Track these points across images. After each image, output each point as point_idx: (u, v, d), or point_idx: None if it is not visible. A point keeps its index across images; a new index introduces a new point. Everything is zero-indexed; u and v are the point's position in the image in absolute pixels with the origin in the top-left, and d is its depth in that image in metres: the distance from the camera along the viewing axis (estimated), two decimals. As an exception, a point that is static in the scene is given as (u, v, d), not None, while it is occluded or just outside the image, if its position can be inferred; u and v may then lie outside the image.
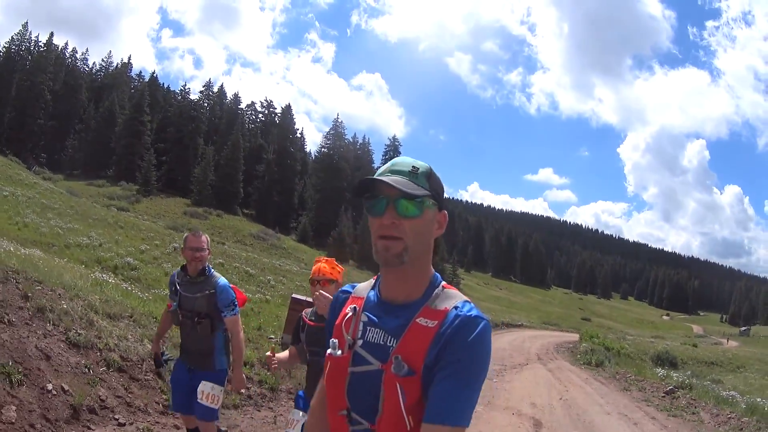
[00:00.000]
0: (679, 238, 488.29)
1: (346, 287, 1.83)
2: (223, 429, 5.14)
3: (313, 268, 3.97)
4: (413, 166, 1.60)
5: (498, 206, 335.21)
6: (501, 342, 26.75)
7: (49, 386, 5.22)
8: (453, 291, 1.62)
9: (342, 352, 1.64)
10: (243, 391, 5.90)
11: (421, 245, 1.59)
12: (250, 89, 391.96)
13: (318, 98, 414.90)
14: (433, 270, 1.64)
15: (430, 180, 1.60)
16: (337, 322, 1.74)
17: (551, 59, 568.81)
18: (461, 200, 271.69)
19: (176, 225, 51.25)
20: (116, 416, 5.72)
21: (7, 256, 8.71)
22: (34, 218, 25.28)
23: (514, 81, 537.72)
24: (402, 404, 1.50)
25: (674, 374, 16.87)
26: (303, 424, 3.72)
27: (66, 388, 5.37)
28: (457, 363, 1.45)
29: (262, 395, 7.88)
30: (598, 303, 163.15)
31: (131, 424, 5.77)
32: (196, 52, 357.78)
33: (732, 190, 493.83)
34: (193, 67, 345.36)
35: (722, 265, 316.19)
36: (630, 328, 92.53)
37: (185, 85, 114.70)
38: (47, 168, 76.08)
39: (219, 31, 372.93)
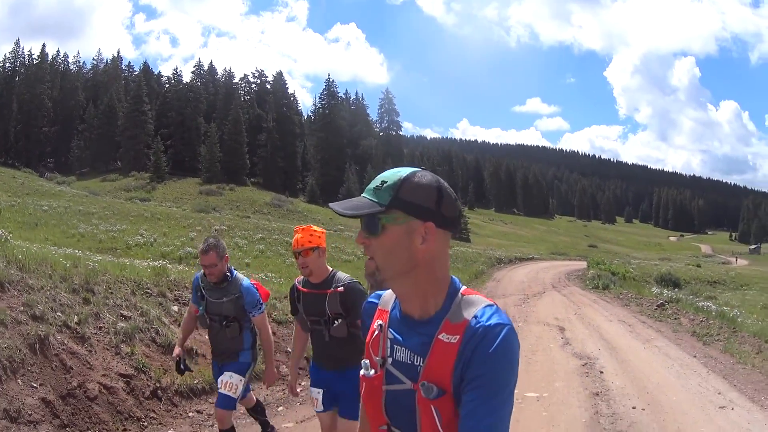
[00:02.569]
0: (678, 158, 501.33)
1: (372, 297, 1.76)
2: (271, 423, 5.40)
3: (293, 240, 3.94)
4: (382, 181, 1.50)
5: (491, 140, 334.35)
6: (518, 275, 29.69)
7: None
8: (473, 297, 1.52)
9: (375, 372, 1.62)
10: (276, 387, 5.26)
11: (396, 262, 1.50)
12: (227, 58, 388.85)
13: (297, 57, 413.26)
14: (449, 279, 1.56)
15: (398, 192, 1.47)
16: (367, 340, 1.70)
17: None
18: (455, 138, 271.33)
19: (201, 207, 54.42)
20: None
21: (119, 268, 9.13)
22: (85, 227, 27.19)
23: (491, 16, 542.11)
24: (438, 424, 1.47)
25: (666, 292, 19.92)
26: (322, 400, 3.93)
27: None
28: (480, 378, 1.39)
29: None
30: (603, 228, 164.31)
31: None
32: (170, 31, 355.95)
33: (729, 106, 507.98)
34: (170, 45, 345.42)
35: (727, 183, 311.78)
36: (637, 252, 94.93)
37: (176, 68, 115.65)
38: (57, 172, 78.79)
39: (190, 5, 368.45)
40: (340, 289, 3.80)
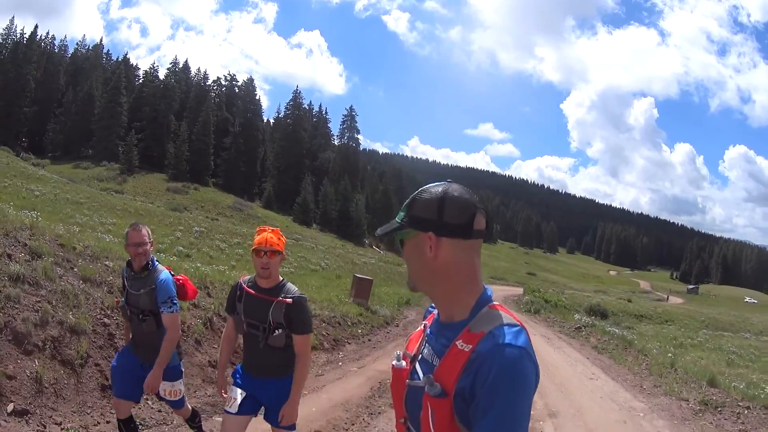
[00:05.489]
0: (627, 194, 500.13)
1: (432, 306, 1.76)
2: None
3: (258, 237, 3.75)
4: (408, 201, 1.64)
5: (440, 160, 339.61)
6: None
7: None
8: (497, 312, 1.53)
9: (405, 365, 1.68)
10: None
11: (415, 272, 1.62)
12: (192, 53, 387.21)
13: (259, 58, 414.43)
14: (478, 288, 1.58)
15: (411, 208, 1.60)
16: (412, 335, 1.79)
17: (492, 18, 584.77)
18: (406, 155, 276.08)
19: (173, 206, 57.46)
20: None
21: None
22: (81, 218, 28.00)
23: (454, 38, 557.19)
24: (431, 423, 1.50)
25: (587, 319, 24.17)
26: (240, 403, 3.77)
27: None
28: (484, 399, 1.38)
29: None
30: (544, 258, 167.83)
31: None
32: (142, 20, 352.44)
33: (683, 149, 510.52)
34: (140, 35, 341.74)
35: (674, 223, 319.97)
36: (574, 283, 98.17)
37: (154, 63, 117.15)
38: (31, 153, 79.85)
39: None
40: (289, 300, 3.72)
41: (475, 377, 1.41)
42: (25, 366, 5.30)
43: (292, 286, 3.85)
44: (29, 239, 7.51)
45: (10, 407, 4.91)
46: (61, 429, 5.08)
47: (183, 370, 4.62)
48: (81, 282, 7.08)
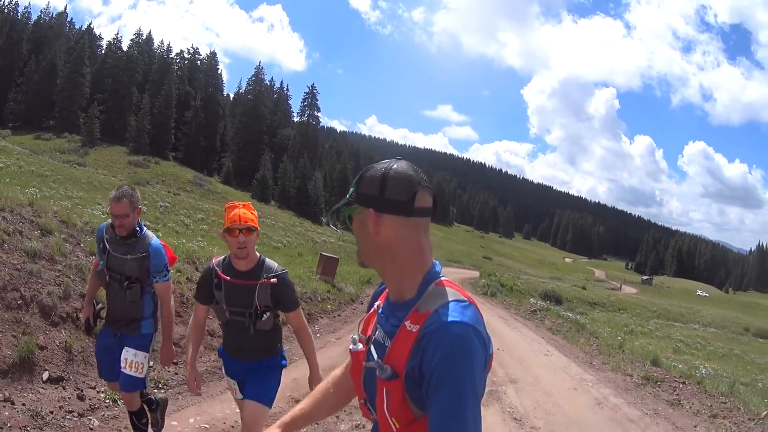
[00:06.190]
0: (585, 183, 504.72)
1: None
2: (155, 397, 4.55)
3: (231, 215, 3.46)
4: (356, 177, 1.61)
5: (398, 140, 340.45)
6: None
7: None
8: (443, 289, 1.51)
9: (361, 347, 1.67)
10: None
11: (362, 249, 1.62)
12: (152, 23, 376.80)
13: (220, 31, 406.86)
14: (425, 265, 1.57)
15: (358, 185, 1.58)
16: (365, 317, 1.78)
17: (456, 0, 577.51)
18: (364, 134, 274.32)
19: (136, 180, 57.25)
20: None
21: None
22: (48, 191, 27.09)
23: (416, 18, 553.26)
24: (385, 406, 1.50)
25: (542, 303, 25.18)
26: (238, 388, 3.68)
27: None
28: (433, 378, 1.37)
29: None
30: (500, 242, 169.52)
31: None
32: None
33: (643, 141, 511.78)
34: (101, 2, 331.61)
35: (631, 213, 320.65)
36: (530, 268, 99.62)
37: (117, 34, 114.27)
38: (-8, 122, 77.76)
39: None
40: (273, 280, 3.54)
41: (422, 357, 1.41)
42: (54, 337, 5.71)
43: (272, 263, 3.64)
44: (34, 216, 7.89)
45: (45, 375, 5.27)
46: (97, 392, 5.45)
47: (153, 345, 4.23)
48: (90, 257, 7.40)
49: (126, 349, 4.00)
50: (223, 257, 3.68)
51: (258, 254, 3.62)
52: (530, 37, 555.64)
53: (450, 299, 1.47)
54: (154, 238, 4.05)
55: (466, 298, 1.50)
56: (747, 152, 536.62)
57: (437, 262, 1.62)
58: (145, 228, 4.08)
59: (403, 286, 1.57)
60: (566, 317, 20.35)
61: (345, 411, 6.04)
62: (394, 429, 1.50)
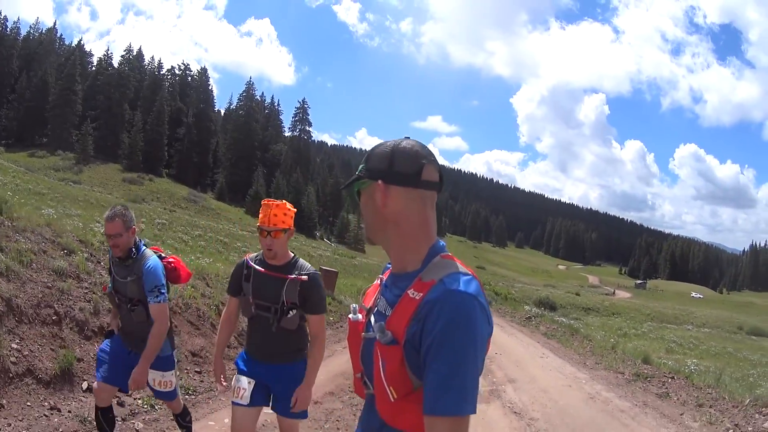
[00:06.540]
0: (576, 190, 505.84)
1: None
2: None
3: (262, 215, 3.44)
4: (366, 155, 1.67)
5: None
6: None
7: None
8: (449, 261, 1.55)
9: (360, 318, 1.70)
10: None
11: (369, 221, 1.65)
12: (141, 38, 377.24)
13: (208, 46, 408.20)
14: (430, 239, 1.60)
15: (368, 161, 1.63)
16: (368, 289, 1.83)
17: (443, 11, 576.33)
18: (354, 147, 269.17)
19: (131, 197, 57.79)
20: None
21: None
22: (47, 210, 27.40)
23: (404, 30, 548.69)
24: (382, 371, 1.50)
25: (536, 310, 25.81)
26: (251, 393, 3.50)
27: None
28: (433, 345, 1.38)
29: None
30: (493, 252, 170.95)
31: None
32: (91, 2, 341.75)
33: (634, 146, 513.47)
34: (89, 18, 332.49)
35: (623, 219, 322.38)
36: (524, 277, 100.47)
37: (108, 50, 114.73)
38: (-17, 139, 77.73)
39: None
40: (304, 277, 3.48)
41: (424, 323, 1.42)
42: (89, 350, 6.04)
43: (305, 263, 3.59)
44: (54, 237, 8.18)
45: (84, 385, 5.59)
46: (134, 399, 5.81)
47: (176, 360, 4.34)
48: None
49: (151, 371, 3.97)
50: (257, 252, 3.67)
51: (291, 254, 3.60)
52: (518, 45, 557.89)
53: (455, 271, 1.52)
54: (151, 257, 3.93)
55: (470, 273, 1.55)
56: (739, 152, 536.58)
57: (440, 240, 1.65)
58: (144, 248, 4.01)
59: (408, 257, 1.61)
60: (561, 322, 20.90)
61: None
62: (392, 399, 1.50)
